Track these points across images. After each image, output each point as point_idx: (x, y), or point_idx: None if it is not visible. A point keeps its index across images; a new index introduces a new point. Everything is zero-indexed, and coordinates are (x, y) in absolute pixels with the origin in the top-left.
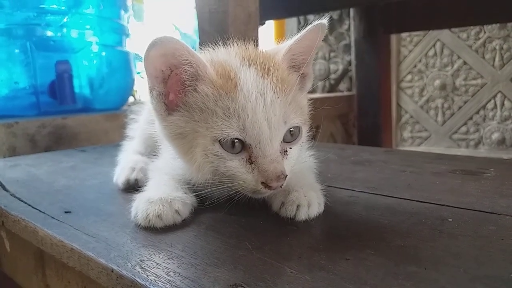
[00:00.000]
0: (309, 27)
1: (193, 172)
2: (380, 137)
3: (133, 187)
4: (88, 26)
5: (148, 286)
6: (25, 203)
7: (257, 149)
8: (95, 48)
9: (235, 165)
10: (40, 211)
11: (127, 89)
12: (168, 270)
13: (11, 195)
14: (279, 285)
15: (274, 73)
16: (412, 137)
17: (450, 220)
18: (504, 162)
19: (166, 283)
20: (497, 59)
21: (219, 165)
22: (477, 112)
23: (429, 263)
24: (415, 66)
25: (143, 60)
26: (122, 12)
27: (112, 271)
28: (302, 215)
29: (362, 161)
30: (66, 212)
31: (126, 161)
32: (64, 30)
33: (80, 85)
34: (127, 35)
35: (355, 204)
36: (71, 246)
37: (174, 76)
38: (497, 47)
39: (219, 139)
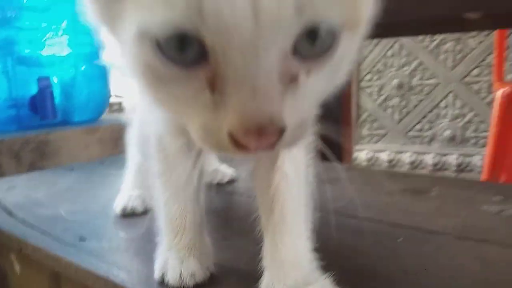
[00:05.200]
0: None
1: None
2: (341, 134)
3: (130, 214)
4: (66, 42)
5: None
6: (39, 230)
7: (226, 60)
8: (73, 62)
9: (183, 90)
10: (56, 238)
11: (104, 101)
12: None
13: (22, 222)
14: None
15: None
16: (370, 134)
17: (400, 239)
18: (446, 180)
19: None
20: (449, 60)
21: (157, 85)
22: (431, 111)
23: (384, 280)
24: (374, 66)
25: None
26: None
27: None
28: None
29: (329, 179)
30: (81, 239)
31: (125, 187)
32: (45, 46)
33: (60, 98)
34: (103, 48)
35: (325, 225)
36: (95, 274)
37: None
38: (450, 49)
39: (150, 31)
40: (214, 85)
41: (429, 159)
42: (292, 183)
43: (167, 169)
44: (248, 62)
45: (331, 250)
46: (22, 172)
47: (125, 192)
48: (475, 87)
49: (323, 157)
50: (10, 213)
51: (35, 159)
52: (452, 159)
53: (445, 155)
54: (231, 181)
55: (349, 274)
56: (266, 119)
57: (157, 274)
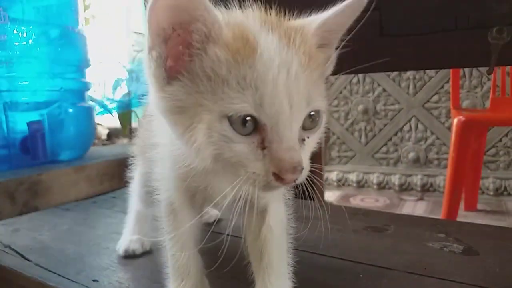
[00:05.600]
0: (347, 1)
1: (191, 155)
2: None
3: (131, 255)
4: (56, 88)
5: None
6: (55, 273)
7: (273, 131)
8: (62, 106)
9: (244, 149)
10: (72, 280)
11: (90, 139)
12: None
13: (36, 264)
14: None
15: (301, 44)
16: (339, 156)
17: (361, 275)
18: (401, 219)
19: None
20: (411, 87)
21: (224, 148)
22: (395, 134)
23: None
24: (341, 92)
25: (146, 12)
26: (85, 70)
27: None
28: None
29: (301, 217)
30: (93, 281)
31: (126, 232)
32: (36, 92)
33: (48, 138)
34: (88, 89)
35: (300, 263)
36: None
37: (177, 37)
38: (411, 77)
39: (229, 115)
40: (263, 144)
41: (395, 179)
42: (276, 234)
43: (175, 228)
44: (286, 131)
45: (303, 285)
46: (17, 212)
47: (126, 236)
48: (435, 112)
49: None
50: (23, 257)
51: (29, 198)
52: (417, 179)
53: (410, 175)
54: (217, 221)
55: None
56: (296, 163)
57: None
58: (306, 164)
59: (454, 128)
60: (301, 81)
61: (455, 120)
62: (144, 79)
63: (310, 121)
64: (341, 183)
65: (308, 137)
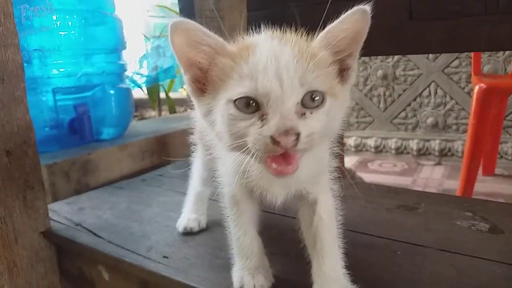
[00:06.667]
0: (349, 11)
1: (216, 140)
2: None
3: (189, 233)
4: (99, 72)
5: None
6: (128, 250)
7: (268, 106)
8: (104, 88)
9: (246, 124)
10: (145, 257)
11: (129, 117)
12: None
13: (109, 242)
14: None
15: (299, 44)
16: (357, 122)
17: (399, 253)
18: (430, 197)
19: None
20: None
21: (232, 125)
22: (414, 99)
23: (391, 283)
24: (360, 58)
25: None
26: (122, 52)
27: None
28: None
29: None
30: (164, 257)
31: (185, 211)
32: (81, 77)
33: (93, 119)
34: (126, 71)
35: (344, 243)
36: (190, 285)
37: (197, 64)
38: None
39: (233, 99)
40: (262, 118)
41: (413, 144)
42: (326, 223)
43: (238, 216)
44: (278, 105)
45: (350, 263)
46: (72, 189)
47: (185, 215)
48: (455, 77)
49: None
50: (95, 234)
51: (81, 176)
52: (435, 144)
53: (428, 140)
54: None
55: (365, 283)
56: (288, 127)
57: (236, 286)
58: (308, 132)
59: (475, 96)
60: (291, 67)
61: (476, 88)
62: (170, 54)
63: (311, 101)
64: (359, 148)
65: (311, 113)
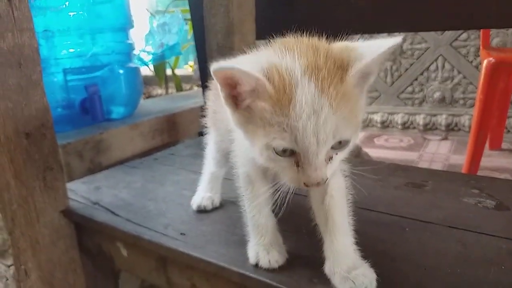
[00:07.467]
0: (390, 43)
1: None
2: None
3: (203, 210)
4: (108, 52)
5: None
6: (146, 227)
7: (304, 158)
8: (113, 68)
9: (285, 165)
10: (163, 234)
11: (138, 97)
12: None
13: (127, 220)
14: None
15: (336, 86)
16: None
17: (407, 229)
18: (438, 175)
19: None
20: None
21: (271, 163)
22: (421, 74)
23: (399, 259)
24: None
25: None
26: (129, 31)
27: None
28: None
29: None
30: (181, 234)
31: (200, 189)
32: (90, 57)
33: (103, 99)
34: (134, 49)
35: (354, 220)
36: (207, 260)
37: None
38: None
39: (272, 146)
40: (297, 164)
41: (420, 119)
42: (337, 201)
43: (253, 195)
44: (313, 159)
45: (360, 240)
46: (85, 169)
47: (200, 194)
48: (463, 51)
49: None
50: (113, 213)
51: (94, 155)
52: (442, 119)
53: (435, 115)
54: None
55: (375, 257)
56: (320, 179)
57: (252, 261)
58: (332, 171)
59: (483, 70)
60: (328, 123)
61: (485, 62)
62: (175, 31)
63: (339, 144)
64: (366, 123)
65: (336, 154)
